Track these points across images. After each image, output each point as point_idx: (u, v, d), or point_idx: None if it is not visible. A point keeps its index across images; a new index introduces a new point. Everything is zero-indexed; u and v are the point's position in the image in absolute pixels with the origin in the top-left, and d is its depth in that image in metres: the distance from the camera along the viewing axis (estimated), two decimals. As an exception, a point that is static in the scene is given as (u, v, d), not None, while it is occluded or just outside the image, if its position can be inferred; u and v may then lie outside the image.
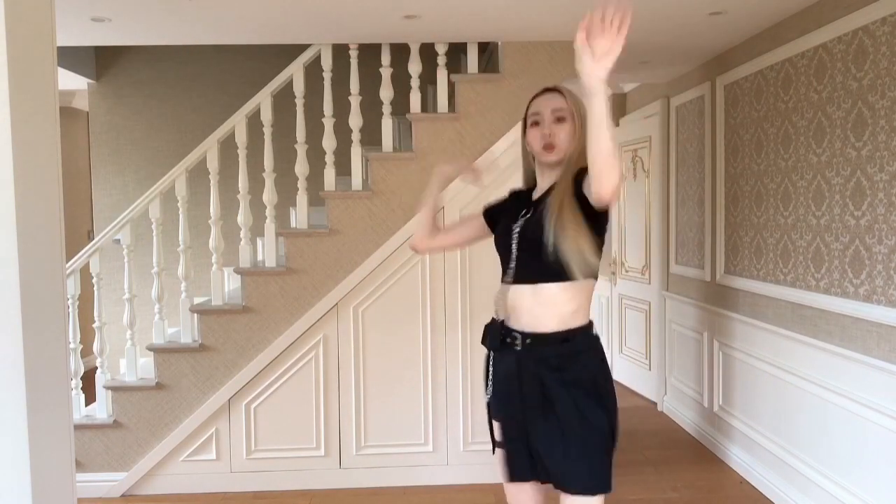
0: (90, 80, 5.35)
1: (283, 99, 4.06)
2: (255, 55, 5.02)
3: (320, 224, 3.97)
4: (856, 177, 2.95)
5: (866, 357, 2.87)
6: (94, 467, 3.80)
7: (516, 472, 2.02)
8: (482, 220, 2.21)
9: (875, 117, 2.83)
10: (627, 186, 5.86)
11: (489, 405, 2.07)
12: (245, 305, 3.85)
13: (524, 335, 1.94)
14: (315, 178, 4.07)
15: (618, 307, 6.03)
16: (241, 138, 3.92)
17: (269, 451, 3.89)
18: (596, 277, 1.95)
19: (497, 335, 1.99)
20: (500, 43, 3.91)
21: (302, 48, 3.96)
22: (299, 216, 3.94)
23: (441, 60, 3.93)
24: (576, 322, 1.93)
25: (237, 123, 3.91)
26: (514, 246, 1.97)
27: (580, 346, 1.93)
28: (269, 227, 3.94)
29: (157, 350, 3.85)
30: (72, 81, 5.25)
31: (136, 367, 3.90)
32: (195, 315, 3.88)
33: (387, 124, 3.96)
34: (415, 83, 3.92)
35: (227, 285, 4.42)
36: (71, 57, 4.95)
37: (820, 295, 3.21)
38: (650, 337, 5.42)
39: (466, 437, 3.90)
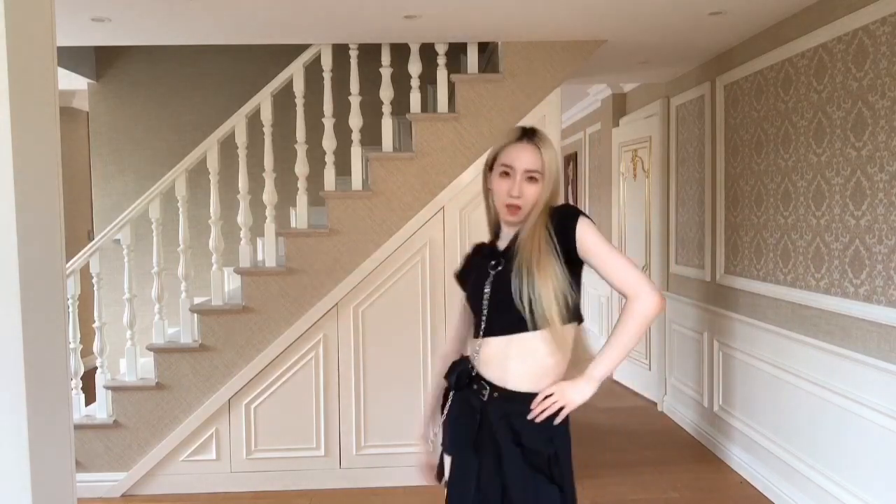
0: (90, 80, 5.35)
1: (283, 99, 4.06)
2: (255, 55, 5.02)
3: (320, 224, 3.97)
4: (856, 177, 2.95)
5: (866, 357, 2.87)
6: (94, 467, 3.80)
7: None
8: (464, 297, 2.03)
9: (875, 117, 2.83)
10: (627, 186, 5.86)
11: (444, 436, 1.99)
12: (245, 305, 3.85)
13: (493, 387, 1.85)
14: (315, 178, 4.07)
15: (618, 307, 6.03)
16: (241, 138, 3.92)
17: (269, 451, 3.89)
18: (581, 320, 1.85)
19: (464, 376, 1.90)
20: (500, 43, 3.90)
21: (302, 48, 3.96)
22: (299, 216, 3.94)
23: (441, 60, 3.93)
24: (549, 382, 1.82)
25: (237, 123, 3.91)
26: (485, 302, 1.86)
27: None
28: (269, 227, 3.94)
29: (157, 350, 3.85)
30: (72, 81, 5.25)
31: (136, 367, 3.90)
32: (195, 315, 3.88)
33: (387, 124, 3.96)
34: (415, 83, 3.92)
35: (227, 285, 4.42)
36: (71, 57, 4.95)
37: (820, 295, 3.21)
38: (650, 337, 5.42)
39: (466, 437, 3.90)
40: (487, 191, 1.94)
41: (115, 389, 3.84)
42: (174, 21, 3.50)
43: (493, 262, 1.89)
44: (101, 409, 3.86)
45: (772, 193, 3.66)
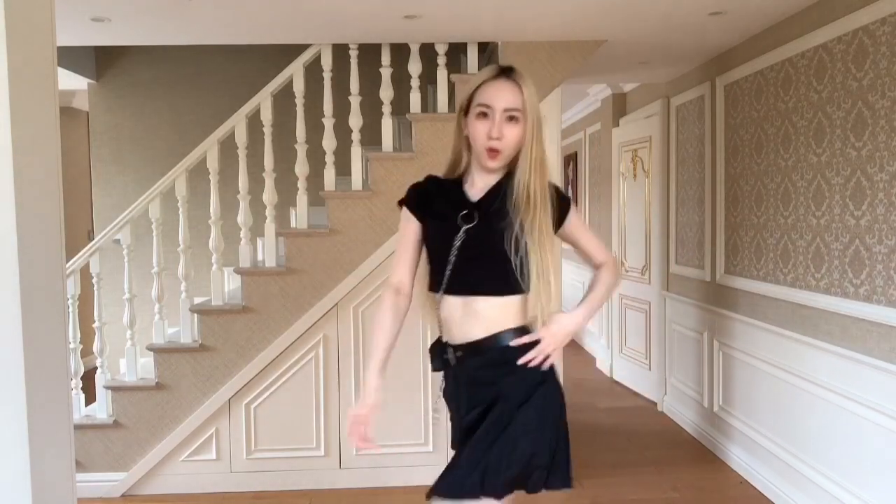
0: (90, 80, 5.34)
1: (283, 99, 4.06)
2: (255, 55, 5.02)
3: (320, 224, 3.97)
4: (856, 177, 2.95)
5: (866, 357, 2.87)
6: (94, 467, 3.80)
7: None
8: (418, 230, 1.87)
9: (875, 117, 2.83)
10: (627, 186, 5.86)
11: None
12: (245, 305, 3.84)
13: (456, 347, 1.82)
14: (315, 178, 4.07)
15: (618, 307, 6.03)
16: (241, 138, 3.92)
17: (269, 451, 3.89)
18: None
19: (438, 355, 1.88)
20: (500, 43, 3.90)
21: (302, 48, 3.96)
22: (299, 216, 3.94)
23: (441, 60, 3.92)
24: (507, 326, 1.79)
25: (237, 123, 3.90)
26: (452, 257, 1.76)
27: (516, 352, 1.78)
28: (269, 227, 3.94)
29: (157, 350, 3.85)
30: (72, 81, 5.25)
31: (136, 367, 3.90)
32: (195, 315, 3.88)
33: (387, 124, 3.96)
34: (415, 83, 3.92)
35: (227, 285, 4.42)
36: (71, 57, 4.95)
37: (820, 295, 3.21)
38: (650, 337, 5.42)
39: (466, 437, 3.90)
40: (460, 135, 1.82)
41: (115, 389, 3.84)
42: (174, 21, 3.50)
43: (464, 214, 1.77)
44: (101, 409, 3.86)
45: (772, 193, 3.66)
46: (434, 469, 2.10)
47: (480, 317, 1.76)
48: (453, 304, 1.79)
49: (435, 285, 1.82)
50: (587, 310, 1.90)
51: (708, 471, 4.07)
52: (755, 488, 3.77)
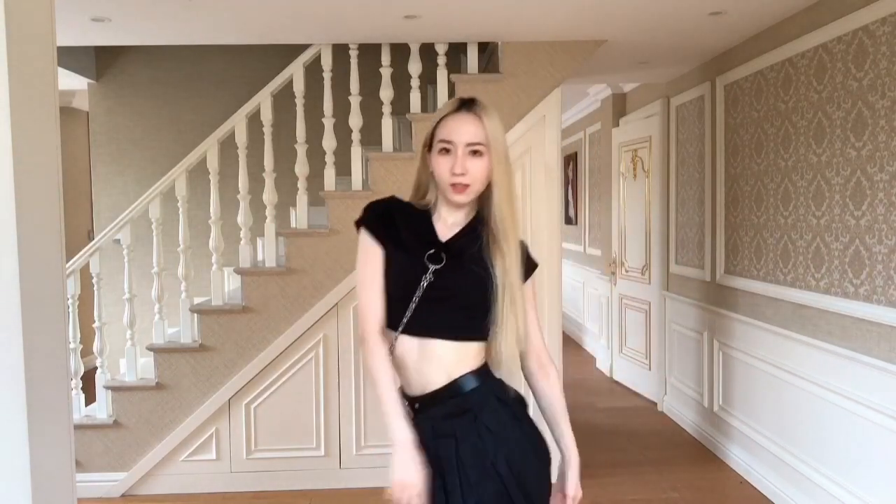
0: (90, 80, 5.34)
1: (283, 99, 4.06)
2: (255, 55, 5.02)
3: (320, 224, 3.97)
4: (856, 177, 2.95)
5: (866, 357, 2.87)
6: (94, 467, 3.80)
7: None
8: (383, 257, 1.70)
9: (875, 117, 2.83)
10: (627, 186, 5.86)
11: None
12: (245, 305, 3.85)
13: (411, 399, 1.68)
14: (315, 178, 4.07)
15: (618, 307, 6.03)
16: (241, 138, 3.92)
17: (269, 451, 3.89)
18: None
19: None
20: (500, 43, 3.90)
21: (302, 48, 3.96)
22: (299, 216, 3.94)
23: (441, 60, 3.93)
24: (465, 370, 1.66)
25: (237, 123, 3.91)
26: (416, 297, 1.64)
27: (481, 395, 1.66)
28: (269, 227, 3.94)
29: (157, 350, 3.85)
30: (72, 81, 5.25)
31: (136, 367, 3.90)
32: (195, 315, 3.88)
33: (387, 124, 3.96)
34: (415, 83, 3.92)
35: (227, 285, 4.42)
36: (71, 57, 4.95)
37: (820, 295, 3.21)
38: (650, 337, 5.42)
39: (466, 437, 3.90)
40: (425, 170, 1.71)
41: (115, 389, 3.84)
42: (174, 21, 3.50)
43: (432, 253, 1.66)
44: (101, 409, 3.86)
45: (772, 193, 3.66)
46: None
47: (437, 360, 1.65)
48: (409, 345, 1.67)
49: (391, 322, 1.69)
50: (576, 453, 1.80)
51: (708, 471, 4.07)
52: (755, 488, 3.77)
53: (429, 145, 1.69)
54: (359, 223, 1.73)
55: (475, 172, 1.63)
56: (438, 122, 1.68)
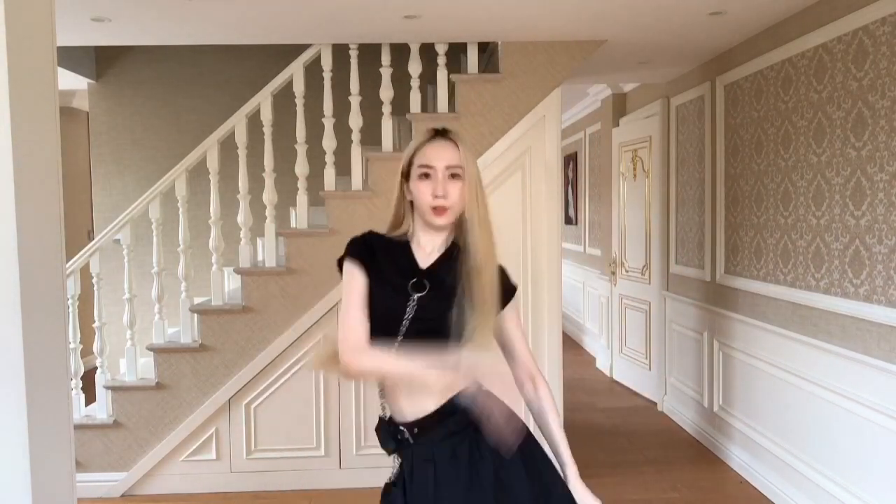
0: (90, 80, 5.35)
1: (283, 99, 4.06)
2: (255, 55, 5.02)
3: (320, 224, 3.97)
4: (856, 177, 2.95)
5: (866, 357, 2.87)
6: (94, 467, 3.80)
7: None
8: (367, 285, 1.78)
9: (875, 117, 2.83)
10: (627, 186, 5.86)
11: None
12: (245, 305, 3.85)
13: (408, 425, 1.71)
14: (315, 178, 4.07)
15: (618, 307, 6.03)
16: (241, 138, 3.92)
17: (269, 451, 3.89)
18: None
19: (388, 434, 1.77)
20: (500, 43, 3.90)
21: (302, 48, 3.96)
22: (299, 216, 3.94)
23: (441, 60, 3.93)
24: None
25: (237, 123, 3.91)
26: (403, 327, 1.68)
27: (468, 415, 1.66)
28: (269, 227, 3.94)
29: (157, 350, 3.85)
30: (72, 81, 5.25)
31: (136, 367, 3.90)
32: (195, 315, 3.88)
33: (387, 124, 3.96)
34: (415, 83, 3.92)
35: (227, 285, 4.42)
36: (71, 57, 4.95)
37: (820, 295, 3.21)
38: (650, 337, 5.42)
39: (466, 437, 3.90)
40: (402, 200, 1.79)
41: (115, 389, 3.84)
42: (174, 21, 3.51)
43: (414, 282, 1.72)
44: (101, 409, 3.86)
45: (772, 193, 3.66)
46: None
47: (430, 386, 1.67)
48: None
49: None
50: (570, 456, 1.78)
51: (708, 471, 4.07)
52: (755, 488, 3.77)
53: (406, 174, 1.76)
54: (341, 260, 1.83)
55: (454, 195, 1.70)
56: (415, 151, 1.75)
